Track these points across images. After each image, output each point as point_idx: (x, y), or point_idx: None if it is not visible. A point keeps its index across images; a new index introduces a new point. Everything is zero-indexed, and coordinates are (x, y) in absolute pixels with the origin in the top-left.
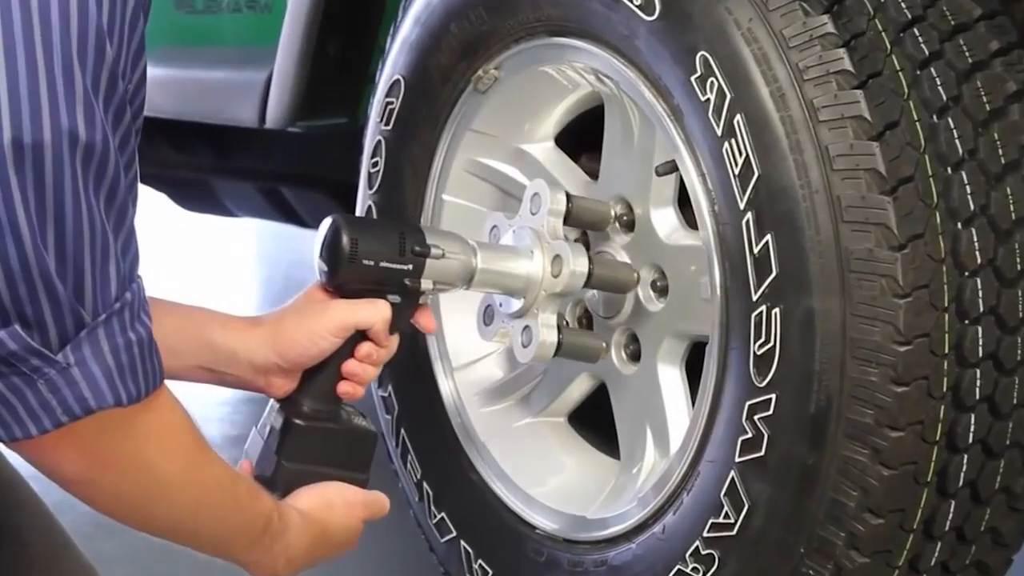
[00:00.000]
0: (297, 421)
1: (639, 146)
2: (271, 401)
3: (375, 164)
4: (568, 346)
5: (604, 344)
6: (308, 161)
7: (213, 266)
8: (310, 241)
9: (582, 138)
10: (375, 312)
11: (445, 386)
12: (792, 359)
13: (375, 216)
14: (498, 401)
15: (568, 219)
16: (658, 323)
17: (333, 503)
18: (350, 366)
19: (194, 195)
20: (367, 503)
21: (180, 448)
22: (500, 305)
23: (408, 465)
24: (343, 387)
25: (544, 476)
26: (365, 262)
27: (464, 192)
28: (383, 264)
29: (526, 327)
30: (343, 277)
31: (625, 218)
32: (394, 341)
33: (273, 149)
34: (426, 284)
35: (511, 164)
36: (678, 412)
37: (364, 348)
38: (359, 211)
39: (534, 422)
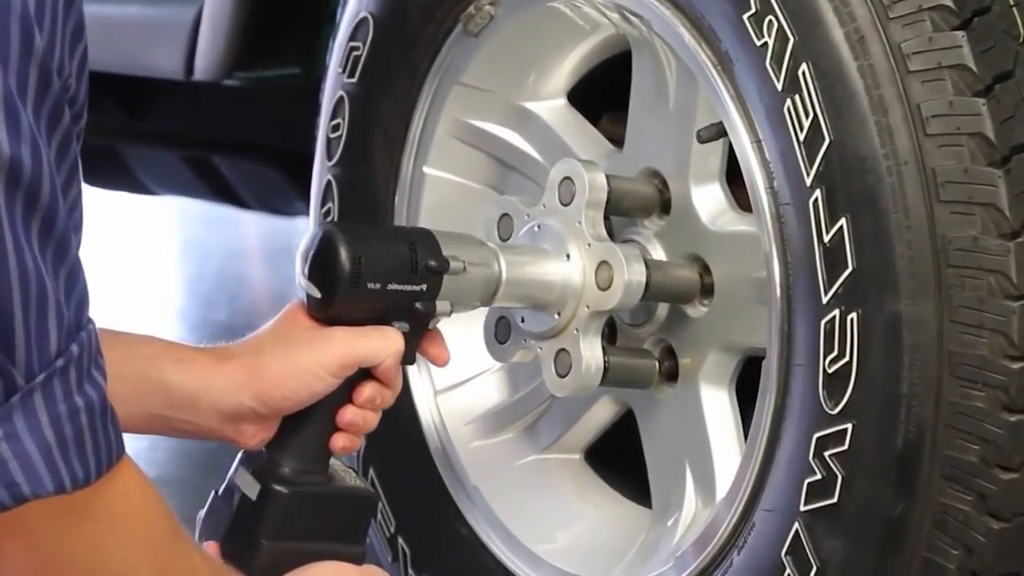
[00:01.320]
0: (280, 489)
1: (676, 105)
2: (240, 453)
3: (336, 127)
4: (616, 371)
5: (656, 363)
6: (248, 124)
7: (121, 262)
8: (248, 227)
9: (603, 94)
10: (386, 344)
11: (426, 413)
12: (873, 379)
13: (335, 193)
14: (495, 433)
15: (606, 208)
16: (700, 333)
17: None
18: (348, 415)
19: (100, 166)
20: None
21: (149, 539)
22: (521, 320)
23: (379, 515)
24: (339, 442)
25: (554, 529)
26: (370, 286)
27: (450, 163)
28: (391, 287)
29: (561, 351)
30: (341, 306)
31: (658, 197)
32: (400, 379)
33: (203, 108)
34: (442, 307)
35: (511, 128)
36: (726, 447)
37: (367, 391)
38: (315, 187)
39: (541, 459)
